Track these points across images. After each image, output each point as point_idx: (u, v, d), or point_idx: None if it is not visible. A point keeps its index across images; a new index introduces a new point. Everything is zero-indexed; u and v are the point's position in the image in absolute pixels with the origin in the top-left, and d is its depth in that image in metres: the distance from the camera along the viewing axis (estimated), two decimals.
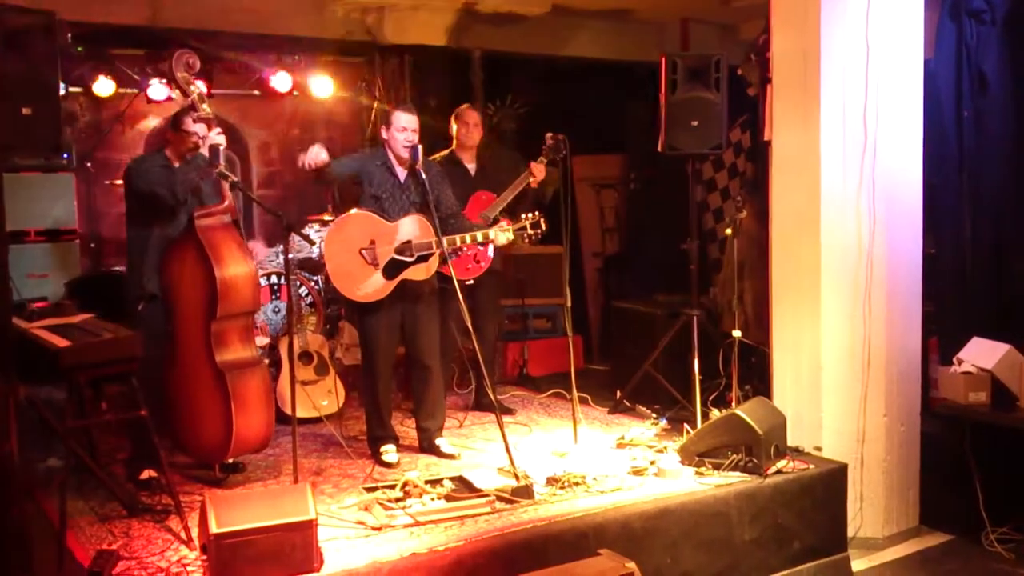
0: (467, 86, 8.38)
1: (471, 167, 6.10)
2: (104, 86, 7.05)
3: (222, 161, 4.78)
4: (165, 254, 4.81)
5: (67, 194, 6.85)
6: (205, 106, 4.75)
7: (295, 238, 6.48)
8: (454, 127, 6.10)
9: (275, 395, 5.97)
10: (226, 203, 4.82)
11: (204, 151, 4.77)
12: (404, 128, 5.08)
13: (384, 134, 5.19)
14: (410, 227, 5.09)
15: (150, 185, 4.76)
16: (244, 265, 4.74)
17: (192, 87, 4.75)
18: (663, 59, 5.68)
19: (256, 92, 7.94)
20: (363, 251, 5.07)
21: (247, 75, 7.75)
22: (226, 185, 4.82)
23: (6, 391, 3.61)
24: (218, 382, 4.66)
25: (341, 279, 5.12)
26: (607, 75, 9.05)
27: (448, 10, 7.90)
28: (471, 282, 5.87)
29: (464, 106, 6.21)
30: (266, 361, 5.13)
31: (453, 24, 8.05)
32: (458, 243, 5.09)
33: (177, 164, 4.88)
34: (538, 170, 5.91)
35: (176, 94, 4.88)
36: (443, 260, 5.10)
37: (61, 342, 4.13)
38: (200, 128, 4.77)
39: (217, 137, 4.75)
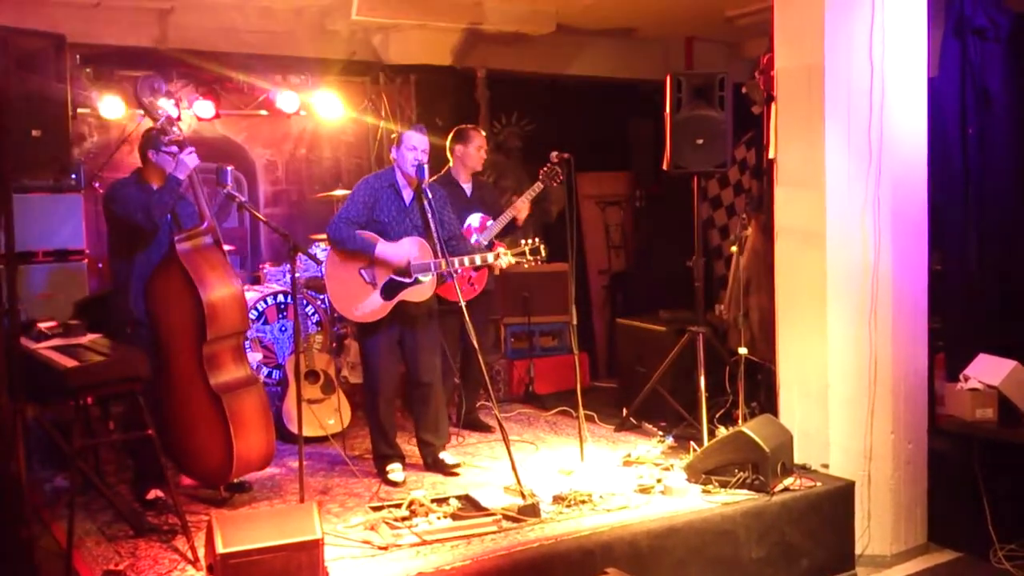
0: (472, 105, 8.41)
1: (467, 187, 6.12)
2: (112, 107, 7.08)
3: (230, 181, 4.80)
4: (149, 280, 4.76)
5: (75, 215, 6.86)
6: (175, 128, 4.75)
7: (301, 257, 6.50)
8: (460, 148, 6.08)
9: (281, 414, 6.01)
10: (206, 224, 4.79)
11: (177, 173, 4.73)
12: (414, 148, 5.10)
13: (393, 153, 5.21)
14: (409, 248, 5.11)
15: (126, 210, 4.73)
16: (230, 286, 4.72)
17: (159, 111, 4.74)
18: (668, 77, 5.71)
19: (262, 112, 7.97)
20: (362, 271, 5.10)
21: (253, 95, 7.78)
22: (204, 205, 4.81)
23: (14, 411, 3.63)
24: (215, 405, 4.65)
25: (340, 298, 5.15)
26: (612, 93, 9.08)
27: (453, 30, 7.94)
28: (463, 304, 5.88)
29: (470, 127, 6.17)
30: (261, 378, 5.10)
31: (458, 44, 8.09)
32: (456, 266, 5.10)
33: (155, 186, 4.85)
34: (521, 211, 6.00)
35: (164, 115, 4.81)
36: (442, 281, 5.12)
37: (68, 362, 4.15)
38: (172, 149, 4.74)
39: (188, 158, 4.73)
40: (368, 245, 5.06)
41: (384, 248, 5.06)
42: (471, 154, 6.05)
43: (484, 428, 6.25)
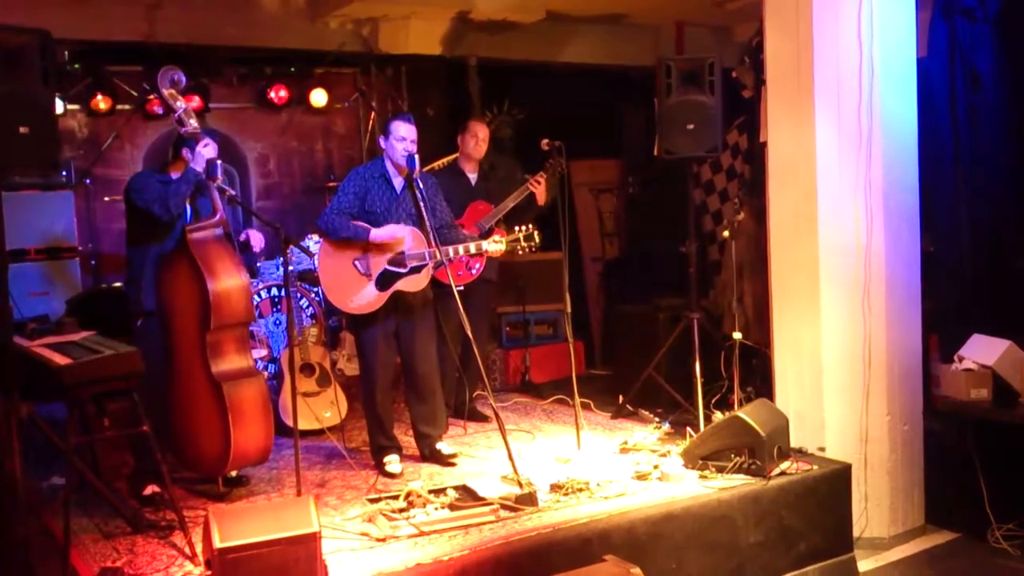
0: (463, 94, 8.40)
1: (472, 177, 6.16)
2: (102, 103, 7.06)
3: (220, 175, 4.80)
4: (159, 269, 4.81)
5: (66, 211, 6.86)
6: (192, 121, 4.79)
7: (294, 250, 6.49)
8: (460, 138, 6.16)
9: (278, 407, 6.01)
10: (218, 216, 4.81)
11: (195, 164, 4.77)
12: (403, 138, 5.08)
13: (382, 143, 5.19)
14: (402, 231, 5.10)
15: (146, 202, 4.77)
16: (237, 277, 4.73)
17: (178, 103, 4.78)
18: (658, 63, 5.70)
19: (253, 105, 7.96)
20: (356, 262, 5.09)
21: (244, 88, 7.76)
22: (217, 197, 4.82)
23: (8, 409, 3.62)
24: (215, 394, 4.65)
25: (334, 290, 5.14)
26: (603, 80, 9.07)
27: (442, 19, 7.93)
28: (461, 288, 5.86)
29: (473, 119, 6.26)
30: (265, 372, 5.11)
31: (448, 33, 8.07)
32: (451, 254, 5.10)
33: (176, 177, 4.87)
34: (537, 189, 5.97)
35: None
36: (438, 265, 5.12)
37: (62, 360, 4.14)
38: (189, 143, 4.78)
39: (205, 150, 4.77)
40: (362, 231, 5.06)
41: (378, 232, 5.05)
42: (469, 144, 6.12)
43: (481, 418, 6.25)
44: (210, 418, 4.68)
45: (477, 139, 6.12)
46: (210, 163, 4.79)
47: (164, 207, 4.74)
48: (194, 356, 4.71)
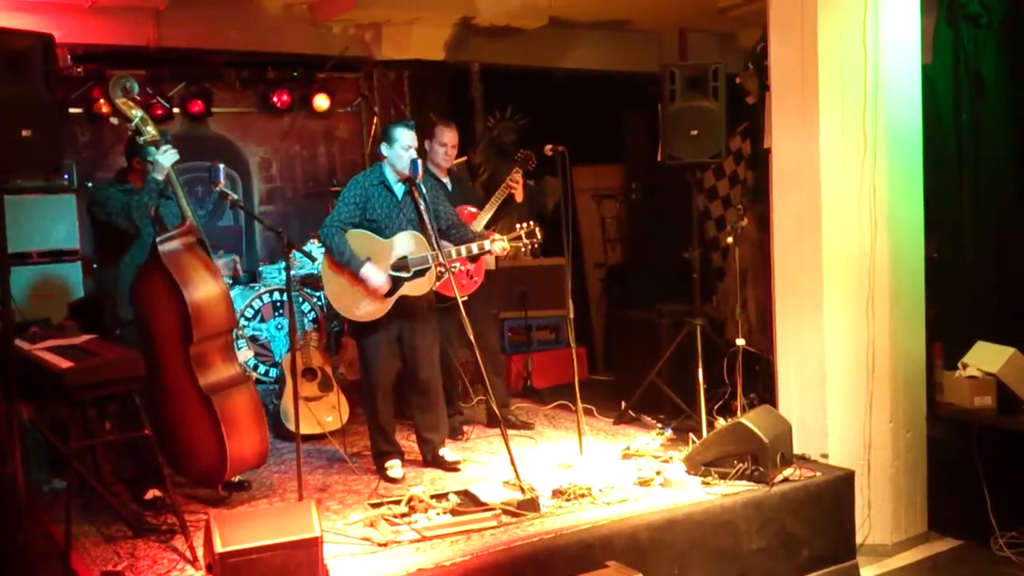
0: (466, 100, 8.40)
1: (446, 182, 5.92)
2: (104, 107, 7.05)
3: (222, 179, 4.78)
4: (133, 281, 4.73)
5: (69, 215, 6.84)
6: (149, 128, 4.69)
7: (296, 254, 6.49)
8: (426, 143, 5.76)
9: (279, 411, 5.99)
10: (187, 224, 4.74)
11: (155, 173, 4.68)
12: (410, 146, 5.05)
13: (385, 151, 5.14)
14: (405, 242, 5.08)
15: (108, 215, 4.72)
16: (214, 285, 4.67)
17: (133, 111, 4.68)
18: (661, 69, 5.70)
19: (256, 109, 7.96)
20: None
21: (246, 92, 7.76)
22: (184, 205, 4.77)
23: (10, 413, 3.62)
24: (205, 406, 4.60)
25: (339, 299, 5.12)
26: (606, 86, 9.08)
27: (445, 24, 7.93)
28: (466, 298, 5.83)
29: (439, 123, 5.86)
30: (252, 376, 5.07)
31: (451, 38, 8.07)
32: (454, 255, 5.08)
33: (138, 187, 4.79)
34: (516, 188, 5.85)
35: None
36: (441, 277, 5.09)
37: (64, 363, 4.13)
38: (151, 152, 4.68)
39: (163, 156, 4.68)
40: (355, 264, 5.01)
41: (366, 271, 4.99)
42: (437, 153, 5.79)
43: (525, 425, 6.18)
44: (204, 431, 4.63)
45: (446, 148, 5.78)
46: (212, 167, 4.75)
47: (128, 219, 4.67)
48: (180, 370, 4.64)
